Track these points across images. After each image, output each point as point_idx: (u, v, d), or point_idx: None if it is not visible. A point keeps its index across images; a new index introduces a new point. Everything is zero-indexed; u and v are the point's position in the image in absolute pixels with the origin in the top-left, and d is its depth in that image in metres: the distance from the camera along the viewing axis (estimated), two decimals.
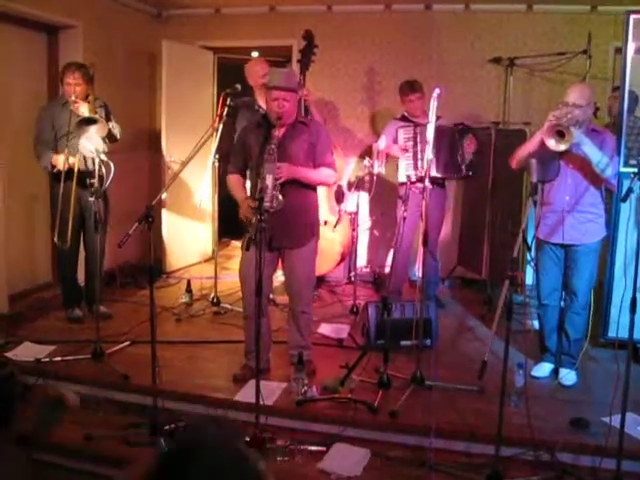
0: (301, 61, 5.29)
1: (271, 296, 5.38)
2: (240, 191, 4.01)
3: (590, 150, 3.73)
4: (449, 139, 5.19)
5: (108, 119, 4.87)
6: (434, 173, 5.01)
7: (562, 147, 3.67)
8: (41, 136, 4.83)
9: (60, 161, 4.70)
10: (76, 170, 4.68)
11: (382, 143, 5.47)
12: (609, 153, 3.80)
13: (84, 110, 4.67)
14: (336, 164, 4.15)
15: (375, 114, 6.76)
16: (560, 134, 3.65)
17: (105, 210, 4.95)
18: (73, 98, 4.66)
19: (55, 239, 4.83)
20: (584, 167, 3.85)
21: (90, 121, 4.59)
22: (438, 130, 4.99)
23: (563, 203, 3.93)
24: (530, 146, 3.95)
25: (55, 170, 4.75)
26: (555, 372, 4.24)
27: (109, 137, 4.83)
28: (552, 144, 3.67)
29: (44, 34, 5.73)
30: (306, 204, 4.02)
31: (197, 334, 4.93)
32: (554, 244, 4.04)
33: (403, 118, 5.45)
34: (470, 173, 5.26)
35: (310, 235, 4.05)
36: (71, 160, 4.68)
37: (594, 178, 3.87)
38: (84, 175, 4.65)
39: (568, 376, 4.12)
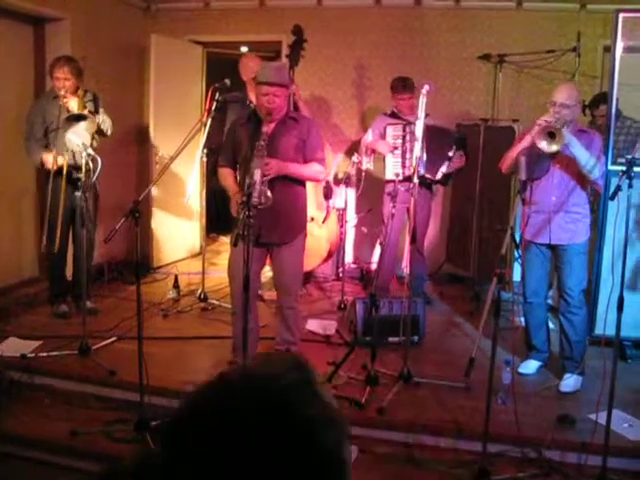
0: (290, 56, 5.25)
1: (259, 292, 5.37)
2: (232, 184, 3.98)
3: (578, 151, 3.73)
4: (447, 142, 5.20)
5: (97, 112, 4.82)
6: (424, 171, 5.02)
7: (554, 148, 3.66)
8: (31, 131, 4.78)
9: (49, 161, 4.66)
10: (65, 170, 4.64)
11: (369, 137, 5.45)
12: (596, 153, 3.80)
13: (73, 105, 4.63)
14: (326, 160, 4.13)
15: (364, 110, 6.74)
16: (551, 135, 3.64)
17: (94, 205, 4.91)
18: (62, 93, 4.62)
19: (43, 244, 4.75)
20: (570, 167, 3.85)
21: (79, 117, 4.55)
22: (441, 130, 5.04)
23: (549, 204, 3.93)
24: (519, 150, 3.93)
25: (44, 168, 4.71)
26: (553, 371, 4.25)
27: (99, 132, 4.79)
28: (544, 146, 3.65)
29: (30, 26, 5.67)
30: (294, 200, 4.00)
31: (184, 330, 4.91)
32: (541, 244, 4.04)
33: (392, 115, 5.43)
34: (442, 181, 5.30)
35: (298, 231, 4.04)
36: (60, 160, 4.64)
37: (580, 178, 3.87)
38: (73, 171, 4.62)
39: (567, 381, 4.02)
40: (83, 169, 4.36)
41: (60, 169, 4.67)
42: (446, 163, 5.15)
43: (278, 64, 4.57)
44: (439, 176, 5.19)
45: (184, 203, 5.76)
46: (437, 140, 5.14)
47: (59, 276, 5.12)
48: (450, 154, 5.12)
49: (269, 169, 3.66)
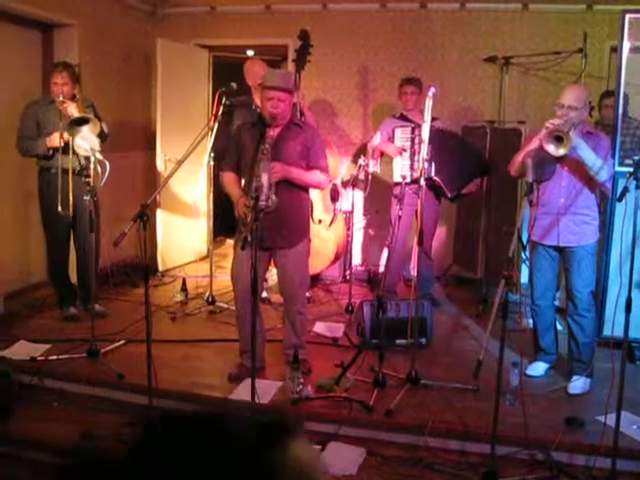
0: (296, 61, 5.26)
1: (265, 294, 5.39)
2: (235, 188, 3.99)
3: (586, 154, 3.71)
4: (475, 166, 5.30)
5: (98, 118, 4.84)
6: (432, 174, 5.05)
7: (562, 152, 3.65)
8: (24, 133, 4.79)
9: (55, 138, 4.66)
10: (71, 146, 4.63)
11: (377, 140, 5.46)
12: (603, 154, 3.79)
13: (73, 110, 4.64)
14: (330, 166, 4.14)
15: (370, 113, 6.75)
16: (559, 139, 3.64)
17: (95, 208, 4.92)
18: (61, 98, 4.63)
19: (59, 209, 4.76)
20: (579, 169, 3.84)
21: (82, 121, 4.57)
22: (474, 152, 5.11)
23: (558, 205, 3.91)
24: (528, 152, 3.92)
25: (51, 152, 4.72)
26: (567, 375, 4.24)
27: (100, 136, 4.80)
28: (551, 149, 3.65)
29: (39, 32, 5.71)
30: (298, 204, 4.02)
31: (192, 333, 4.92)
32: (549, 246, 4.03)
33: (401, 117, 5.44)
34: (453, 199, 5.42)
35: (302, 236, 4.05)
36: (65, 136, 4.62)
37: (589, 180, 3.86)
38: (80, 170, 4.63)
39: (575, 383, 4.00)
40: (91, 173, 4.37)
41: (65, 170, 4.69)
42: (464, 184, 5.27)
43: (283, 71, 4.59)
44: (456, 192, 5.25)
45: (191, 206, 5.78)
46: (467, 158, 5.26)
47: (63, 281, 5.15)
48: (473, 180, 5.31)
49: (275, 172, 3.68)
